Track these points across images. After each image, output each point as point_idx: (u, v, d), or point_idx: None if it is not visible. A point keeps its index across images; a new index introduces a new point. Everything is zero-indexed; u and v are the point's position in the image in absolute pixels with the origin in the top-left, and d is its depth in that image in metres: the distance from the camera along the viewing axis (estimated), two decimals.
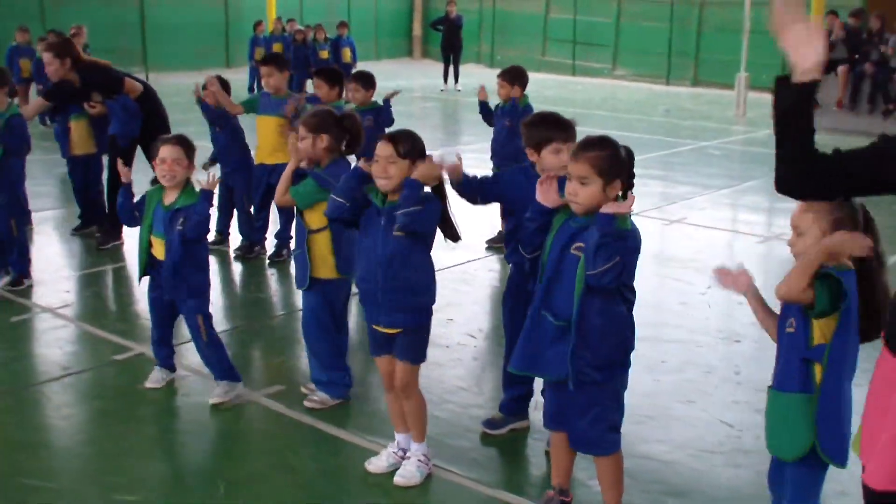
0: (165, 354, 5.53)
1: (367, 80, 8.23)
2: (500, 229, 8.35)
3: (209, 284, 5.32)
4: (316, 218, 4.94)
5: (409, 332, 4.31)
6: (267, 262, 8.10)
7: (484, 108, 8.59)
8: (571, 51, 28.15)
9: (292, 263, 5.90)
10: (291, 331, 6.53)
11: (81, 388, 5.57)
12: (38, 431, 5.01)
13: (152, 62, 24.63)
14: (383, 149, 4.21)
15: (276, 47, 20.76)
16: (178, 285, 5.12)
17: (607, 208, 3.58)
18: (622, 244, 3.58)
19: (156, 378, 5.49)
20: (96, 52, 18.42)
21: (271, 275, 7.86)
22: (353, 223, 4.37)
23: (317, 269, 5.04)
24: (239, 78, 19.12)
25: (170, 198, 5.12)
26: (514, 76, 8.34)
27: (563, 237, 3.77)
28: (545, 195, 3.84)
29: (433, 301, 4.36)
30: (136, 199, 5.29)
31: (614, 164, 3.69)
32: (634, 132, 15.53)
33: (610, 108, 19.98)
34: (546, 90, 22.49)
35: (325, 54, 20.99)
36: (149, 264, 5.24)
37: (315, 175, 5.00)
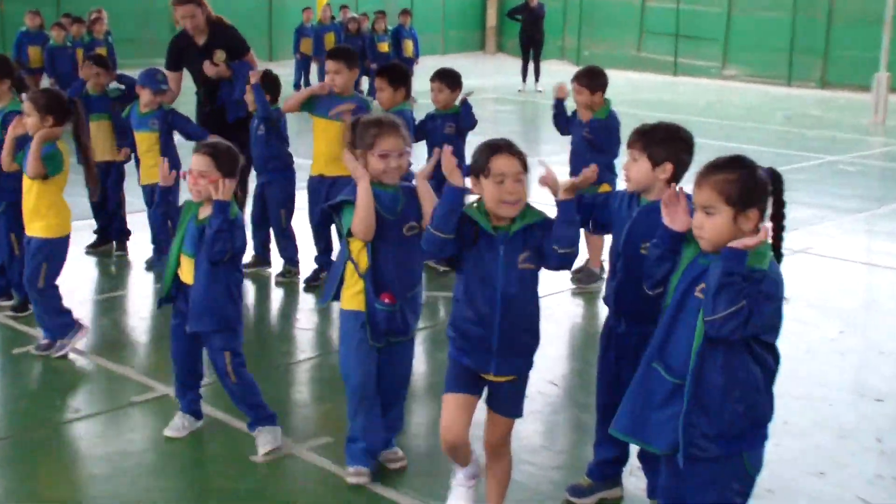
0: (191, 398, 5.52)
1: (453, 80, 8.25)
2: (588, 259, 8.25)
3: (240, 316, 5.31)
4: None
5: (520, 381, 4.36)
6: (302, 286, 8.20)
7: (559, 108, 8.34)
8: (673, 46, 28.03)
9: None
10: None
11: (95, 433, 5.59)
12: (44, 485, 5.04)
13: None
14: (509, 164, 4.12)
15: (329, 38, 20.95)
16: (204, 315, 5.13)
17: (737, 242, 3.47)
18: (753, 287, 3.45)
19: (177, 426, 5.49)
20: (120, 42, 18.94)
21: (315, 304, 7.87)
22: (453, 258, 4.26)
23: None
24: (284, 73, 19.32)
25: (205, 211, 5.13)
26: (594, 79, 8.05)
27: (687, 277, 3.69)
28: (672, 216, 3.74)
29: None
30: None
31: (747, 188, 3.58)
32: (747, 143, 15.34)
33: (718, 114, 19.82)
34: (642, 92, 22.40)
35: (384, 47, 21.13)
36: (175, 287, 5.28)
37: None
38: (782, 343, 3.70)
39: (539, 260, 4.20)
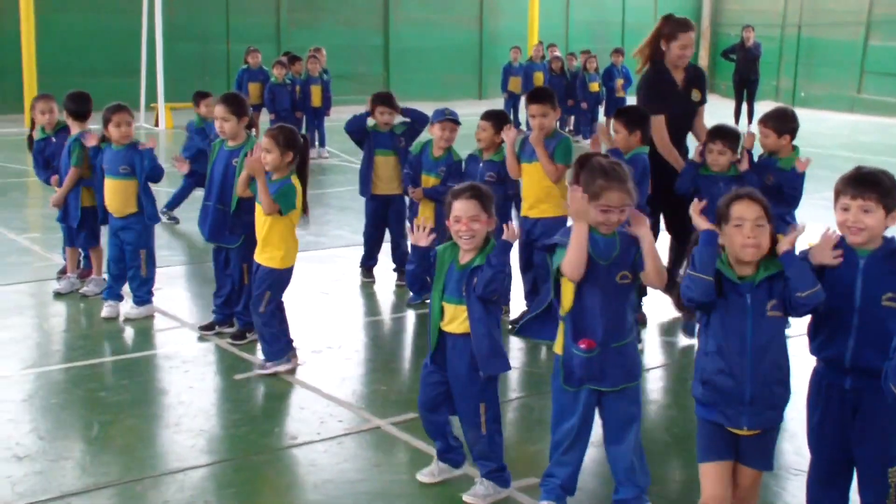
0: (441, 447, 5.41)
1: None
2: None
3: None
4: None
5: (771, 432, 4.35)
6: (509, 327, 8.23)
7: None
8: None
9: None
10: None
11: (310, 461, 5.76)
12: None
13: (395, 91, 25.14)
14: (749, 210, 4.17)
15: (538, 77, 21.15)
16: (494, 357, 5.04)
17: None
18: None
19: (429, 470, 5.45)
20: (335, 79, 19.51)
21: (527, 343, 7.93)
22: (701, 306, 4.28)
23: None
24: None
25: (467, 255, 5.04)
26: (782, 122, 7.77)
27: None
28: None
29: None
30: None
31: None
32: None
33: None
34: (860, 135, 21.74)
35: (595, 86, 21.18)
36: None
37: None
38: None
39: (786, 308, 4.20)
